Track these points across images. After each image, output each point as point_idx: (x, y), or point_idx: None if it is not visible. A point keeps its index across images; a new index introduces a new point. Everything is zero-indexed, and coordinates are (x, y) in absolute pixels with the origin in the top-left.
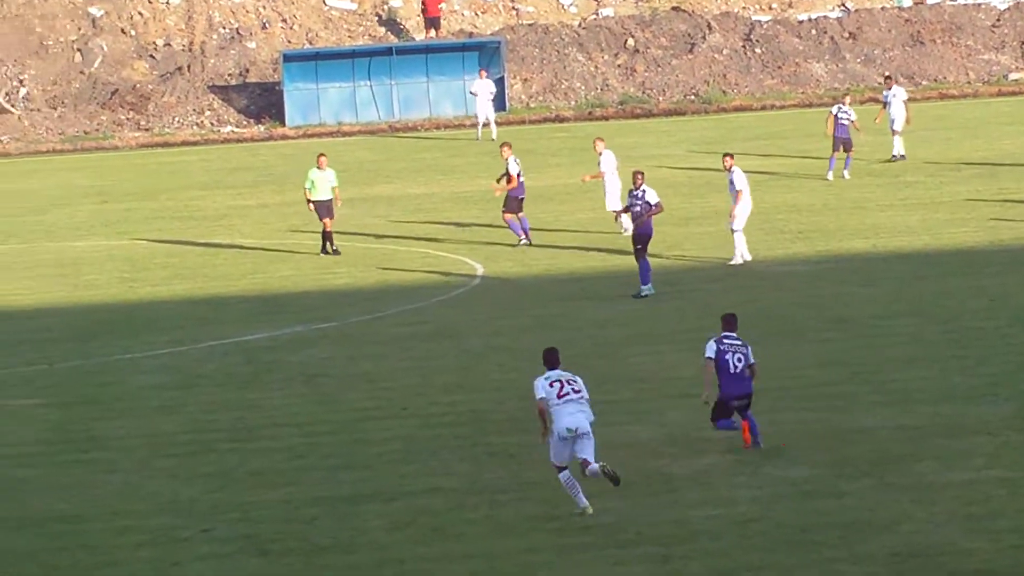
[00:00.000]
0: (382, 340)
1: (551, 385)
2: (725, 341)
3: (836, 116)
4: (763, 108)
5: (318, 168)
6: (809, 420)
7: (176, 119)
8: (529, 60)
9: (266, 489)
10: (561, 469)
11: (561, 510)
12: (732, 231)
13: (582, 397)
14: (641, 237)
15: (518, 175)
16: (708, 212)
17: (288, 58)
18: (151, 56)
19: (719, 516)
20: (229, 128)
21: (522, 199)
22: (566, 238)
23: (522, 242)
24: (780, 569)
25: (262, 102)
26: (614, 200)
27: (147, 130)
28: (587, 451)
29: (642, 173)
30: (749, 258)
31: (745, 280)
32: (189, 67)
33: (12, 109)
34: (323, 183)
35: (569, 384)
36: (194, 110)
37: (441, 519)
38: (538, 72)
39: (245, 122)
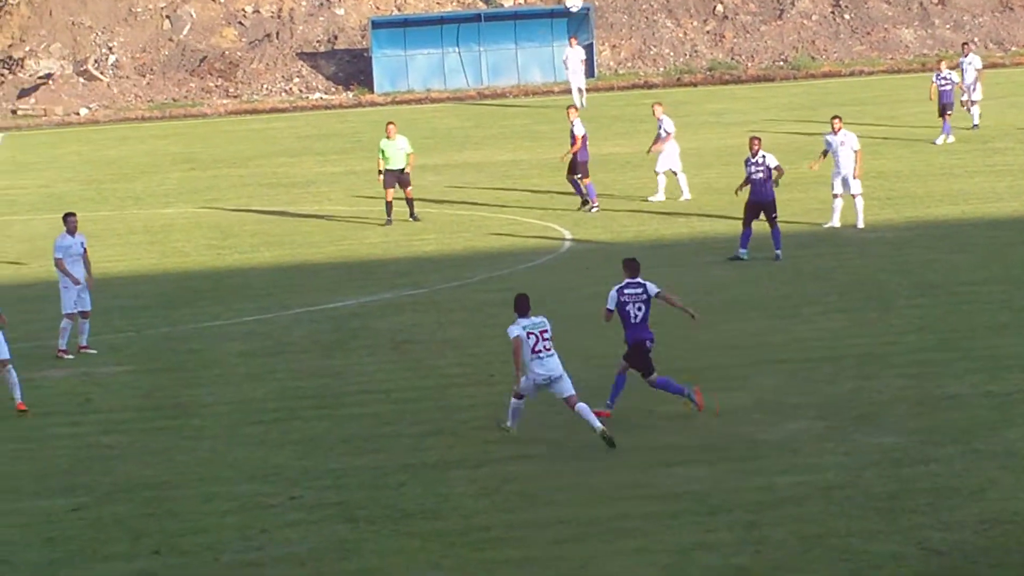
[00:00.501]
0: (470, 306)
1: (528, 336)
2: (627, 292)
3: (936, 83)
4: (852, 74)
5: (387, 137)
6: (898, 387)
7: (265, 86)
8: (618, 26)
9: (354, 456)
10: (519, 397)
11: (650, 476)
12: (854, 196)
13: (552, 349)
14: (762, 204)
15: (583, 137)
16: (798, 178)
17: (377, 25)
18: (240, 23)
19: (806, 483)
20: (318, 95)
21: (586, 162)
22: (653, 205)
23: (593, 208)
24: (867, 536)
25: (351, 69)
26: (668, 163)
27: (236, 97)
28: (567, 389)
29: (759, 139)
30: (861, 225)
31: (833, 246)
32: (278, 34)
33: (101, 76)
34: (394, 152)
35: (541, 338)
36: (283, 77)
37: (528, 486)
38: (627, 38)
39: (334, 89)
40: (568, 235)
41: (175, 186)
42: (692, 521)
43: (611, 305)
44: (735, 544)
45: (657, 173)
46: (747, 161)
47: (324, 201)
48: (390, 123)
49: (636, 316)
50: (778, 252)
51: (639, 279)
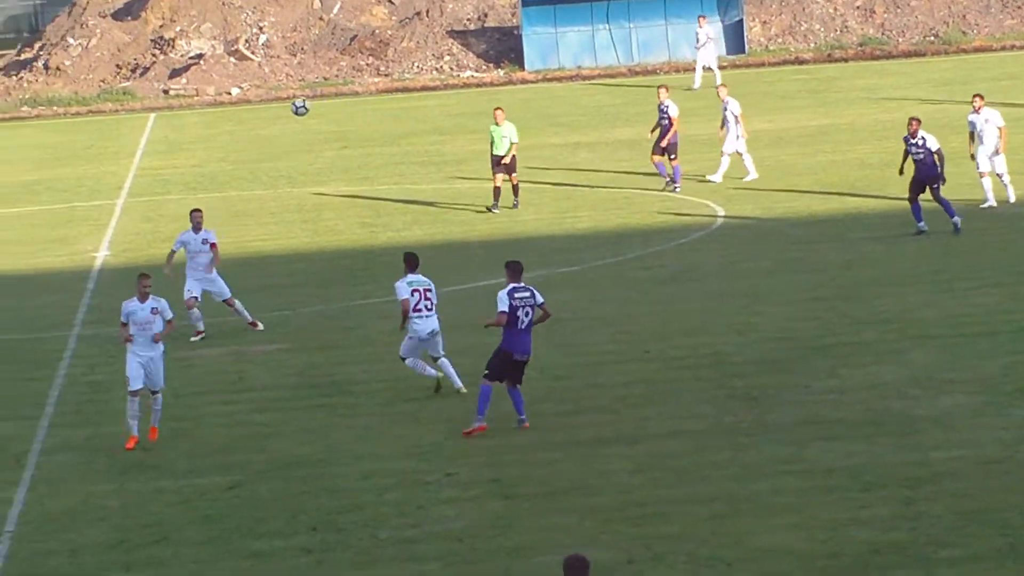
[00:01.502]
0: (623, 283)
1: (412, 293)
2: (516, 295)
3: None
4: (1003, 49)
5: (495, 123)
6: None
7: (415, 64)
8: (768, 2)
9: (508, 433)
10: (404, 360)
11: (805, 452)
12: (998, 174)
13: (433, 307)
14: (926, 181)
15: (676, 118)
16: (949, 154)
17: (527, 2)
18: (390, 1)
19: (963, 457)
20: (468, 73)
21: (676, 144)
22: (806, 181)
23: (669, 187)
24: None
25: (501, 46)
26: (734, 143)
27: (386, 75)
28: (439, 348)
29: (918, 120)
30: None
31: (985, 221)
32: (428, 12)
33: (252, 56)
34: (500, 138)
35: (425, 296)
36: (433, 55)
37: (684, 462)
38: (777, 14)
39: (484, 67)
40: (721, 211)
41: (327, 165)
42: (847, 496)
43: (504, 307)
44: (891, 519)
45: (741, 154)
46: (907, 140)
47: (476, 179)
48: (497, 108)
49: (523, 322)
50: (956, 220)
51: (523, 283)
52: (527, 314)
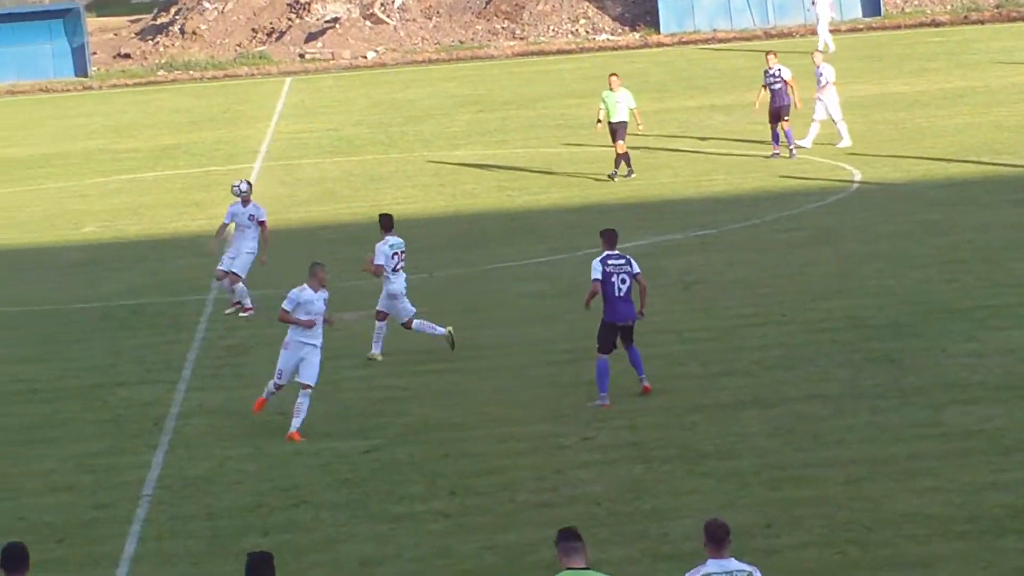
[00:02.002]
0: (760, 246)
1: (393, 256)
2: (610, 262)
3: None
4: None
5: (609, 89)
6: None
7: (551, 27)
8: None
9: (646, 396)
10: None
11: (942, 415)
12: None
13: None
14: None
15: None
16: None
17: None
18: None
19: None
20: (604, 36)
21: (787, 106)
22: (943, 144)
23: (789, 152)
24: None
25: (637, 9)
26: (835, 110)
27: (522, 39)
28: (407, 312)
29: None
30: None
31: None
32: None
33: (388, 20)
34: (615, 104)
35: (400, 257)
36: (569, 18)
37: (821, 425)
38: None
39: (620, 30)
40: (857, 175)
41: (463, 128)
42: (985, 460)
43: (597, 275)
44: None
45: (815, 120)
46: None
47: (611, 145)
48: (613, 75)
49: (620, 289)
50: None
51: (619, 251)
52: (623, 281)
